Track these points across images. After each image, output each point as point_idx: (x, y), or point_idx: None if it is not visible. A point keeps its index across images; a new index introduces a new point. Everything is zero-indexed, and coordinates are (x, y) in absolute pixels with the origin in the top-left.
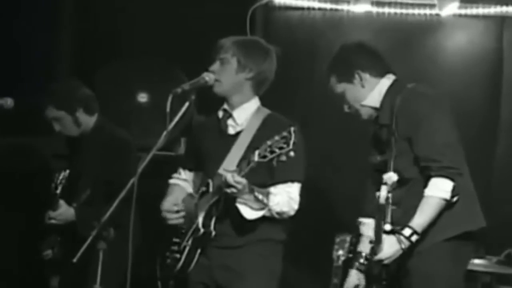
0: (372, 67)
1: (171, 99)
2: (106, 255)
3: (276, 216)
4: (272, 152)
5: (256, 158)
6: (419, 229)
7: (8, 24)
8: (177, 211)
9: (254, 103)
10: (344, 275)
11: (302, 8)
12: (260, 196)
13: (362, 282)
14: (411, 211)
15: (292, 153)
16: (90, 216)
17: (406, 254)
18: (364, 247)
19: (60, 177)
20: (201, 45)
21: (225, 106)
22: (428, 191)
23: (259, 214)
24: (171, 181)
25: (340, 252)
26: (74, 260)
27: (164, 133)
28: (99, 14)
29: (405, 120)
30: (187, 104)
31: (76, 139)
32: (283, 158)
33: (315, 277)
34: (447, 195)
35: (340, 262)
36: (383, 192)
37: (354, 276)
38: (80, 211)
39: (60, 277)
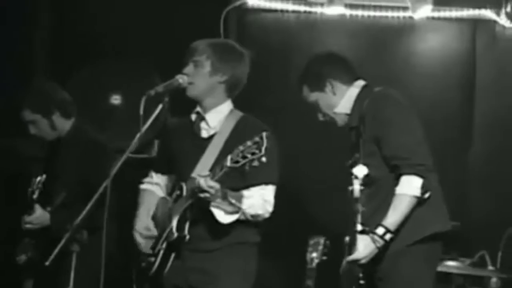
0: (342, 75)
1: (144, 102)
2: (79, 258)
3: (251, 218)
4: (244, 157)
5: (228, 163)
6: (392, 227)
7: None
8: (147, 237)
9: (227, 106)
10: (318, 277)
11: (275, 11)
12: (234, 200)
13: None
14: (379, 211)
15: (264, 159)
16: (65, 219)
17: (381, 254)
18: None
19: (37, 182)
20: (174, 47)
21: (198, 109)
22: (399, 189)
23: (233, 217)
24: (142, 186)
25: (314, 254)
26: (47, 263)
27: (138, 135)
28: (73, 16)
29: (372, 121)
30: (160, 106)
31: (53, 142)
32: (255, 163)
33: (289, 279)
34: (418, 192)
35: (314, 264)
36: (356, 186)
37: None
38: (55, 214)
39: (34, 280)
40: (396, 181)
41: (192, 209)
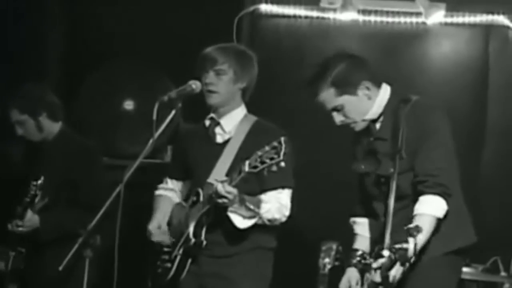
0: (374, 77)
1: (157, 107)
2: (92, 263)
3: (268, 223)
4: (262, 162)
5: (246, 168)
6: (418, 247)
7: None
8: (160, 233)
9: (241, 111)
10: (330, 283)
11: (288, 16)
12: (252, 206)
13: (357, 277)
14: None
15: (282, 164)
16: (54, 221)
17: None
18: (359, 245)
19: (37, 185)
20: (187, 52)
21: (212, 114)
22: (424, 209)
23: (251, 222)
24: (157, 192)
25: (327, 259)
26: (60, 268)
27: (151, 140)
28: (87, 21)
29: (413, 134)
30: (173, 112)
31: (38, 145)
32: (274, 168)
33: (302, 285)
34: (442, 214)
35: (326, 270)
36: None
37: (351, 273)
38: (44, 217)
39: (17, 285)
40: (417, 197)
41: (209, 215)
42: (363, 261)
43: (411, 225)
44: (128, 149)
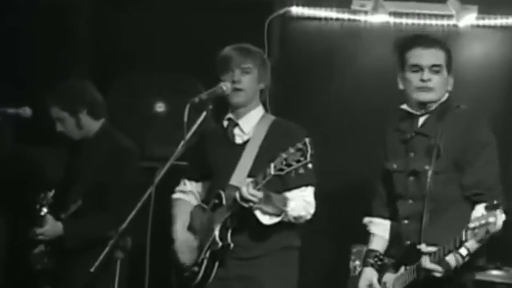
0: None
1: (188, 109)
2: (123, 265)
3: (293, 221)
4: (289, 165)
5: (272, 171)
6: (472, 251)
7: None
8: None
9: (259, 111)
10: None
11: (319, 19)
12: (278, 203)
13: (376, 275)
14: (439, 228)
15: (310, 165)
16: (78, 230)
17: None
18: (375, 245)
19: (46, 198)
20: (217, 55)
21: (230, 115)
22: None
23: (276, 220)
24: (176, 195)
25: (357, 262)
26: (92, 269)
27: (182, 143)
28: (118, 24)
29: (461, 141)
30: (204, 113)
31: (77, 143)
32: (301, 170)
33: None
34: (499, 226)
35: (356, 273)
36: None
37: (369, 273)
38: (68, 225)
39: (50, 287)
40: (465, 204)
41: (234, 218)
42: (379, 262)
43: (490, 203)
44: (159, 151)
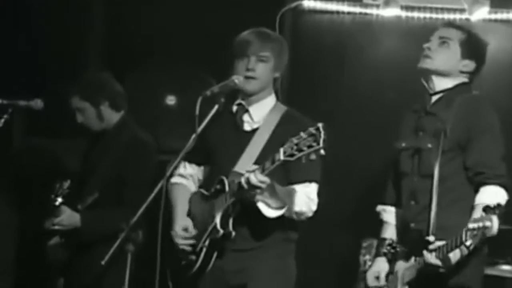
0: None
1: (200, 102)
2: (134, 258)
3: (294, 216)
4: (300, 150)
5: (281, 156)
6: (471, 249)
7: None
8: (187, 238)
9: (271, 100)
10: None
11: (331, 12)
12: (281, 195)
13: (386, 268)
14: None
15: (322, 151)
16: (95, 223)
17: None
18: (388, 234)
19: (61, 189)
20: (229, 49)
21: (241, 101)
22: (487, 199)
23: (279, 213)
24: (174, 179)
25: (367, 256)
26: (103, 262)
27: (193, 136)
28: (129, 18)
29: (466, 122)
30: (216, 106)
31: (96, 135)
32: (313, 156)
33: (342, 281)
34: (504, 203)
35: (367, 267)
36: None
37: (380, 263)
38: (85, 216)
39: (65, 279)
40: (469, 186)
41: (236, 205)
42: (392, 250)
43: (490, 204)
44: (171, 144)
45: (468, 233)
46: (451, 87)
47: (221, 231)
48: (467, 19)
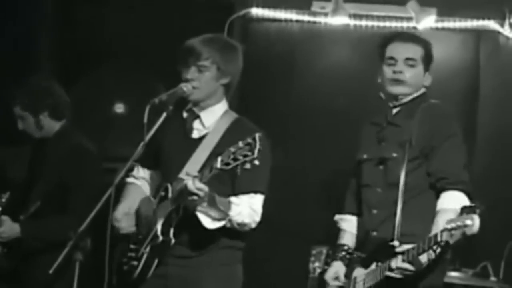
0: None
1: (148, 110)
2: (82, 266)
3: (237, 227)
4: (235, 159)
5: (218, 165)
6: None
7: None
8: (128, 220)
9: (222, 106)
10: (320, 287)
11: (279, 20)
12: (221, 206)
13: (344, 269)
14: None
15: (256, 162)
16: (37, 230)
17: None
18: (345, 240)
19: (0, 200)
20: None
21: (191, 106)
22: (447, 204)
23: (219, 224)
24: (128, 179)
25: (317, 264)
26: (50, 271)
27: (141, 144)
28: (77, 24)
29: (429, 130)
30: (164, 114)
31: (39, 143)
32: (247, 166)
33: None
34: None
35: (316, 274)
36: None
37: (338, 266)
38: (26, 225)
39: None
40: (431, 193)
41: (178, 212)
42: (347, 256)
43: (466, 205)
44: (118, 152)
45: (445, 233)
46: (411, 98)
47: (161, 238)
48: (414, 28)
